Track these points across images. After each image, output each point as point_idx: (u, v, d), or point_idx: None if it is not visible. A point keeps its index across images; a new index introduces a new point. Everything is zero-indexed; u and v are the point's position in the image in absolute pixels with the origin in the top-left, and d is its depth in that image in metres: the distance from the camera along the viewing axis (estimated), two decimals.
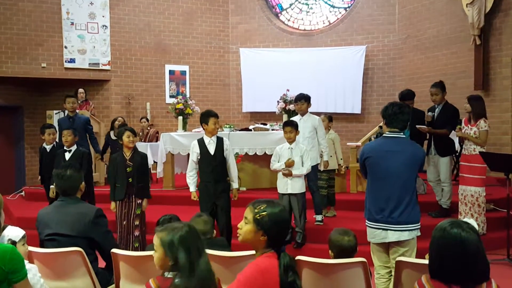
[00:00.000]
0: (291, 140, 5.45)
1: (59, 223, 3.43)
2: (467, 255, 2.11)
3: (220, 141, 5.26)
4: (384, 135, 3.68)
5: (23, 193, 8.85)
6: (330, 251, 3.02)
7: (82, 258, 3.26)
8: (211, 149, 5.24)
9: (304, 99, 6.02)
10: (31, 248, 3.30)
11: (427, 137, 6.36)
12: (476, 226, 2.29)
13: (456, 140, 7.03)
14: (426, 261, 2.74)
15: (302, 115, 6.05)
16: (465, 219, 2.45)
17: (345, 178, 7.60)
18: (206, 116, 5.25)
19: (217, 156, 5.24)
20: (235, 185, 5.36)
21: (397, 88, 10.64)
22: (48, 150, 6.21)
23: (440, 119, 6.12)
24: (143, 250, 5.10)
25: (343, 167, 7.27)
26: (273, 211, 2.34)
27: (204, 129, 5.32)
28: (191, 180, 5.38)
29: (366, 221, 3.70)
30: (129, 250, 5.09)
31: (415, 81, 9.99)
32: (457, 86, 8.96)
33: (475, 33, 8.67)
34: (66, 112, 7.25)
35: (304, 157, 5.42)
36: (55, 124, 7.66)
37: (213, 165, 5.24)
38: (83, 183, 3.59)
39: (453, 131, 6.29)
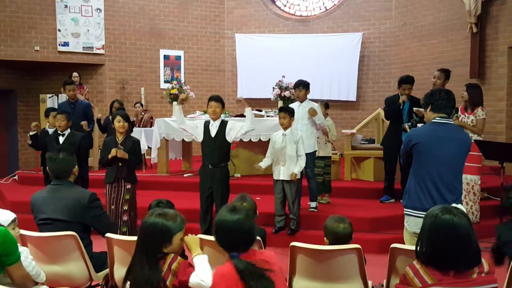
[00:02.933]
0: (284, 126, 5.45)
1: (53, 208, 3.41)
2: (460, 240, 2.14)
3: (223, 125, 5.26)
4: (433, 121, 3.51)
5: (16, 177, 8.81)
6: (325, 238, 3.02)
7: (76, 242, 3.25)
8: (213, 131, 5.25)
9: (302, 85, 6.00)
10: (24, 232, 3.29)
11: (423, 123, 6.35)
12: (464, 210, 2.32)
13: None
14: None
15: (301, 101, 6.04)
16: (453, 205, 2.47)
17: (340, 165, 7.61)
18: (208, 101, 5.29)
19: (217, 139, 5.24)
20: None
21: (393, 76, 10.63)
22: (50, 133, 6.16)
23: None
24: (132, 234, 5.10)
25: (337, 153, 7.28)
26: (221, 218, 2.45)
27: None
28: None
29: (410, 210, 3.54)
30: (117, 234, 5.08)
31: (410, 68, 9.96)
32: (453, 74, 8.79)
33: (472, 21, 8.64)
34: (65, 96, 7.23)
35: (298, 144, 5.40)
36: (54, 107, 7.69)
37: (211, 148, 5.25)
38: (76, 166, 3.57)
39: None
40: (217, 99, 5.28)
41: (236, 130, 5.27)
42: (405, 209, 3.61)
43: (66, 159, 3.45)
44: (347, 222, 2.96)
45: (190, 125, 5.53)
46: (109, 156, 5.14)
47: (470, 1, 8.56)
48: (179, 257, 2.55)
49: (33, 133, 5.95)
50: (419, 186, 3.49)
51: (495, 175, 6.95)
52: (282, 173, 5.45)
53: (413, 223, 3.50)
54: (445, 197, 3.40)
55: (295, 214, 5.56)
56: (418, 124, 4.18)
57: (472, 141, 5.57)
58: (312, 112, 5.78)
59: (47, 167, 3.56)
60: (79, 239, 3.27)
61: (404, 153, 3.68)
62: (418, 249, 2.26)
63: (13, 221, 2.97)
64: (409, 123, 4.67)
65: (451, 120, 3.55)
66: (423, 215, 3.26)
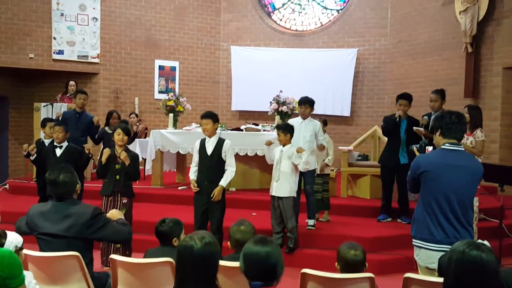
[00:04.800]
0: (282, 143, 5.47)
1: (54, 224, 3.34)
2: (487, 277, 2.10)
3: (220, 142, 5.20)
4: (442, 147, 3.36)
5: (7, 186, 8.65)
6: (336, 263, 2.98)
7: (78, 262, 3.18)
8: (209, 149, 5.19)
9: (309, 103, 6.03)
10: (26, 251, 3.21)
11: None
12: (490, 246, 2.28)
13: None
14: (433, 279, 2.72)
15: (304, 118, 6.04)
16: (479, 241, 2.44)
17: (336, 181, 7.60)
18: (202, 118, 5.23)
19: (213, 157, 5.17)
20: (222, 181, 5.13)
21: (387, 92, 10.71)
22: (46, 145, 6.06)
23: None
24: (126, 250, 5.03)
25: (333, 170, 7.27)
26: (250, 249, 2.42)
27: None
28: (192, 172, 5.31)
29: (420, 241, 3.37)
30: (111, 249, 5.02)
31: (405, 85, 10.02)
32: (447, 93, 8.87)
33: (467, 41, 8.74)
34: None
35: (293, 158, 5.38)
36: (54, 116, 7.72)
37: (207, 165, 5.19)
38: (78, 185, 3.50)
39: None
40: (206, 115, 5.19)
41: (229, 156, 5.19)
42: (414, 240, 3.44)
43: (68, 182, 3.38)
44: (359, 249, 2.91)
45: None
46: (104, 157, 5.09)
47: (466, 21, 8.67)
48: None
49: (34, 157, 5.84)
50: (429, 216, 3.33)
51: (489, 195, 6.99)
52: (275, 189, 5.43)
53: (424, 256, 3.33)
54: (456, 228, 3.27)
55: (293, 232, 5.52)
56: (426, 147, 4.10)
57: None
58: (320, 148, 5.90)
59: (49, 189, 3.48)
60: (82, 259, 3.19)
61: (411, 180, 3.52)
62: (445, 282, 2.21)
63: (21, 248, 2.89)
64: (418, 145, 4.59)
65: (461, 146, 3.41)
66: (434, 247, 3.25)
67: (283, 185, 5.38)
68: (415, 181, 3.46)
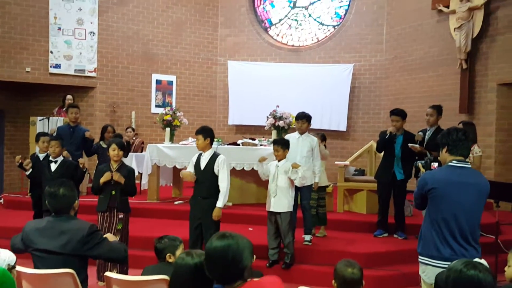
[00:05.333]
0: (279, 158, 5.49)
1: (50, 240, 3.31)
2: None
3: (213, 157, 5.19)
4: (449, 164, 3.35)
5: (1, 201, 8.60)
6: (334, 281, 2.97)
7: (73, 280, 3.15)
8: (203, 164, 5.19)
9: (306, 118, 6.04)
10: (20, 268, 3.18)
11: (417, 158, 6.38)
12: (487, 266, 2.29)
13: None
14: None
15: (301, 133, 6.05)
16: (476, 259, 2.44)
17: (332, 196, 7.60)
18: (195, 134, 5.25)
19: (206, 172, 5.16)
20: (218, 203, 5.09)
21: (382, 108, 10.76)
22: (41, 159, 6.04)
23: (431, 142, 6.16)
24: (124, 266, 4.98)
25: (330, 185, 7.27)
26: (208, 245, 2.33)
27: None
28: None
29: (427, 259, 3.36)
30: (108, 266, 4.98)
31: (400, 101, 10.08)
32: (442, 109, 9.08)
33: (462, 57, 8.83)
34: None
35: (289, 173, 5.39)
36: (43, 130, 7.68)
37: (201, 180, 5.18)
38: (76, 201, 3.49)
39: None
40: (197, 131, 5.21)
41: (221, 171, 5.15)
42: (420, 257, 3.43)
43: (68, 196, 3.36)
44: (356, 267, 2.90)
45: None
46: (102, 180, 5.07)
47: (460, 38, 8.75)
48: None
49: (29, 172, 5.82)
50: (436, 233, 3.32)
51: (484, 211, 6.97)
52: (273, 205, 5.42)
53: (431, 273, 3.29)
54: (464, 245, 3.26)
55: (289, 248, 5.50)
56: (432, 163, 4.08)
57: None
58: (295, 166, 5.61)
59: (46, 201, 3.47)
60: (77, 277, 3.17)
61: (418, 197, 3.49)
62: None
63: (14, 266, 2.86)
64: (423, 162, 4.58)
65: (468, 163, 3.39)
66: (441, 264, 3.23)
67: (281, 200, 5.39)
68: (423, 198, 3.44)
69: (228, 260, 2.23)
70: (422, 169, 4.12)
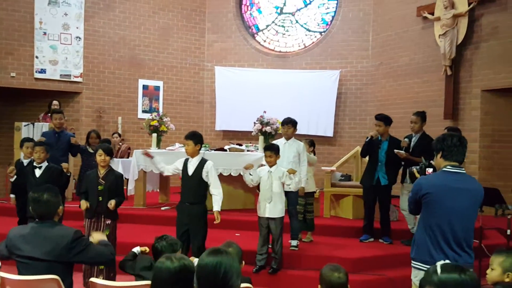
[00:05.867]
0: (271, 164, 5.48)
1: (34, 247, 3.28)
2: None
3: (201, 163, 5.19)
4: (444, 169, 3.35)
5: None
6: (319, 286, 2.98)
7: (58, 286, 3.12)
8: (190, 170, 5.18)
9: (291, 123, 6.06)
10: (3, 274, 3.15)
11: (402, 164, 6.44)
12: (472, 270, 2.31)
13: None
14: None
15: (287, 139, 6.07)
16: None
17: (319, 202, 7.63)
18: (184, 138, 5.23)
19: (194, 178, 5.16)
20: (215, 207, 5.17)
21: (369, 113, 10.84)
22: (25, 165, 5.98)
23: (417, 149, 6.22)
24: (111, 272, 4.95)
25: (317, 190, 7.29)
26: (199, 261, 2.35)
27: None
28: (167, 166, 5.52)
29: (420, 264, 3.36)
30: (94, 272, 4.93)
31: (386, 107, 10.18)
32: (427, 115, 9.13)
33: (447, 64, 8.94)
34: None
35: (283, 179, 5.43)
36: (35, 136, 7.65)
37: (189, 186, 5.18)
38: (61, 207, 3.46)
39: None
40: (188, 136, 5.21)
41: (212, 177, 5.20)
42: (413, 262, 3.43)
43: (51, 201, 3.33)
44: (342, 272, 2.92)
45: (174, 169, 5.43)
46: (83, 208, 5.08)
47: (445, 45, 8.87)
48: None
49: (13, 179, 5.77)
50: (429, 239, 3.32)
51: None
52: (268, 211, 5.42)
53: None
54: (457, 251, 3.27)
55: (278, 253, 5.51)
56: (427, 169, 4.09)
57: None
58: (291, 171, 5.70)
59: (30, 207, 3.43)
60: (62, 283, 3.14)
61: (412, 201, 3.50)
62: None
63: None
64: (418, 167, 4.59)
65: (463, 169, 3.39)
66: None
67: (276, 206, 5.41)
68: (417, 203, 3.44)
69: (220, 277, 2.25)
70: (417, 175, 4.13)
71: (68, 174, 5.75)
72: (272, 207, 5.39)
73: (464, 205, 3.28)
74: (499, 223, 6.06)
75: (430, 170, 4.02)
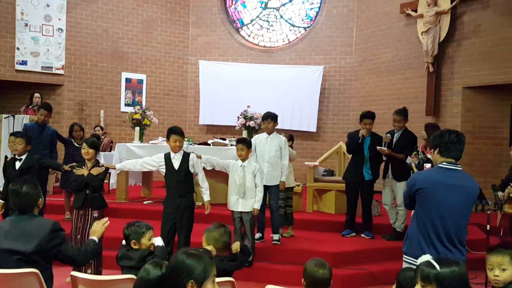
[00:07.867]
0: (242, 158, 5.49)
1: (13, 239, 3.24)
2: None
3: (185, 156, 5.22)
4: (439, 165, 3.35)
5: None
6: (303, 280, 2.99)
7: (37, 279, 3.09)
8: (176, 164, 5.19)
9: (271, 118, 6.05)
10: None
11: (384, 160, 6.50)
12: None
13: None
14: None
15: (269, 133, 6.08)
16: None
17: (301, 197, 7.66)
18: (168, 133, 5.23)
19: (181, 171, 5.19)
20: (206, 197, 5.33)
21: (352, 109, 10.91)
22: (8, 159, 5.88)
23: (399, 145, 6.28)
24: (98, 267, 4.93)
25: (300, 185, 7.32)
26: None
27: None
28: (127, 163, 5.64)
29: (411, 258, 3.33)
30: (82, 273, 4.89)
31: (369, 103, 10.25)
32: (409, 111, 9.22)
33: (429, 61, 9.03)
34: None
35: (256, 177, 5.45)
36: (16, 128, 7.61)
37: (177, 180, 5.19)
38: (40, 199, 3.42)
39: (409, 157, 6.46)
40: (181, 132, 5.22)
41: (199, 170, 5.33)
42: (405, 256, 3.44)
43: (30, 193, 3.30)
44: (326, 268, 2.93)
45: (152, 164, 5.40)
46: (77, 173, 5.06)
47: (428, 42, 8.96)
48: None
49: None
50: (421, 234, 3.33)
51: None
52: (241, 205, 5.46)
53: None
54: (448, 247, 3.26)
55: (253, 247, 5.52)
56: (425, 164, 4.10)
57: None
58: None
59: (10, 201, 3.39)
60: (41, 276, 3.11)
61: (407, 196, 3.50)
62: None
63: None
64: (416, 162, 4.60)
65: (459, 166, 3.38)
66: None
67: (248, 200, 5.45)
68: (411, 198, 3.45)
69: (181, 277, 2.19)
70: (415, 169, 4.15)
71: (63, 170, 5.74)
72: (244, 201, 5.44)
73: (457, 202, 3.28)
74: (478, 219, 6.16)
75: (428, 165, 4.05)
